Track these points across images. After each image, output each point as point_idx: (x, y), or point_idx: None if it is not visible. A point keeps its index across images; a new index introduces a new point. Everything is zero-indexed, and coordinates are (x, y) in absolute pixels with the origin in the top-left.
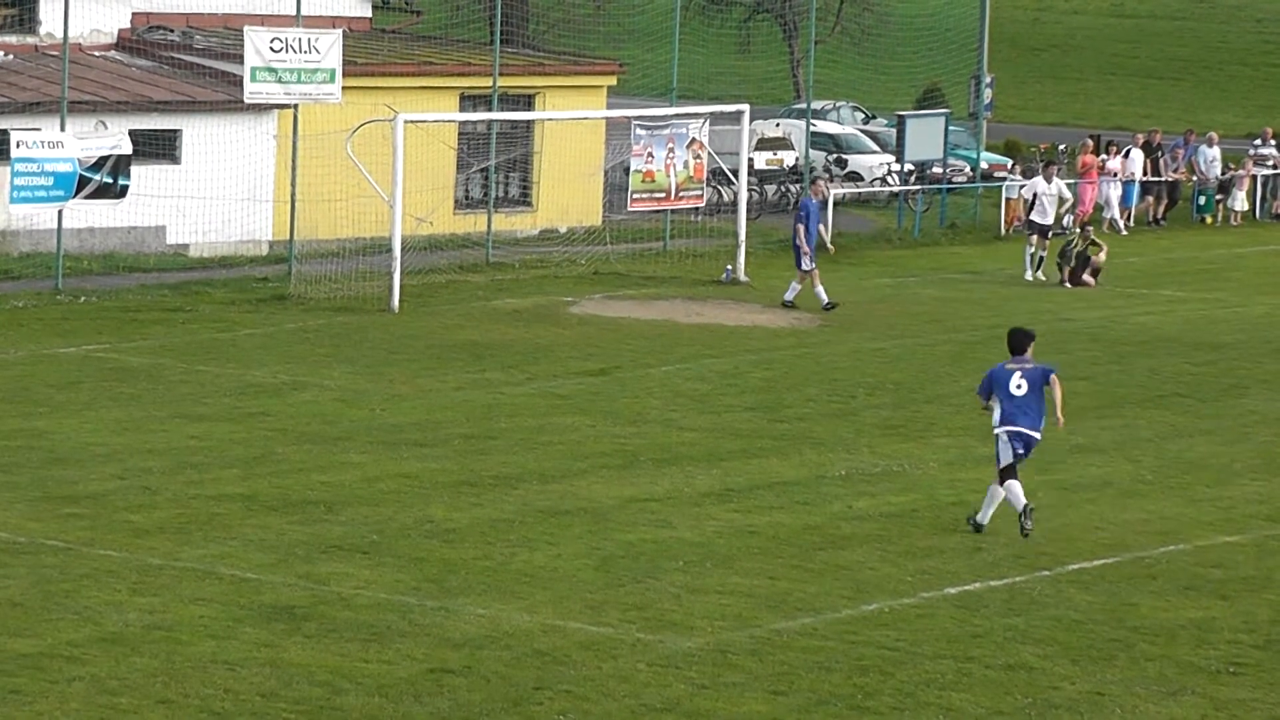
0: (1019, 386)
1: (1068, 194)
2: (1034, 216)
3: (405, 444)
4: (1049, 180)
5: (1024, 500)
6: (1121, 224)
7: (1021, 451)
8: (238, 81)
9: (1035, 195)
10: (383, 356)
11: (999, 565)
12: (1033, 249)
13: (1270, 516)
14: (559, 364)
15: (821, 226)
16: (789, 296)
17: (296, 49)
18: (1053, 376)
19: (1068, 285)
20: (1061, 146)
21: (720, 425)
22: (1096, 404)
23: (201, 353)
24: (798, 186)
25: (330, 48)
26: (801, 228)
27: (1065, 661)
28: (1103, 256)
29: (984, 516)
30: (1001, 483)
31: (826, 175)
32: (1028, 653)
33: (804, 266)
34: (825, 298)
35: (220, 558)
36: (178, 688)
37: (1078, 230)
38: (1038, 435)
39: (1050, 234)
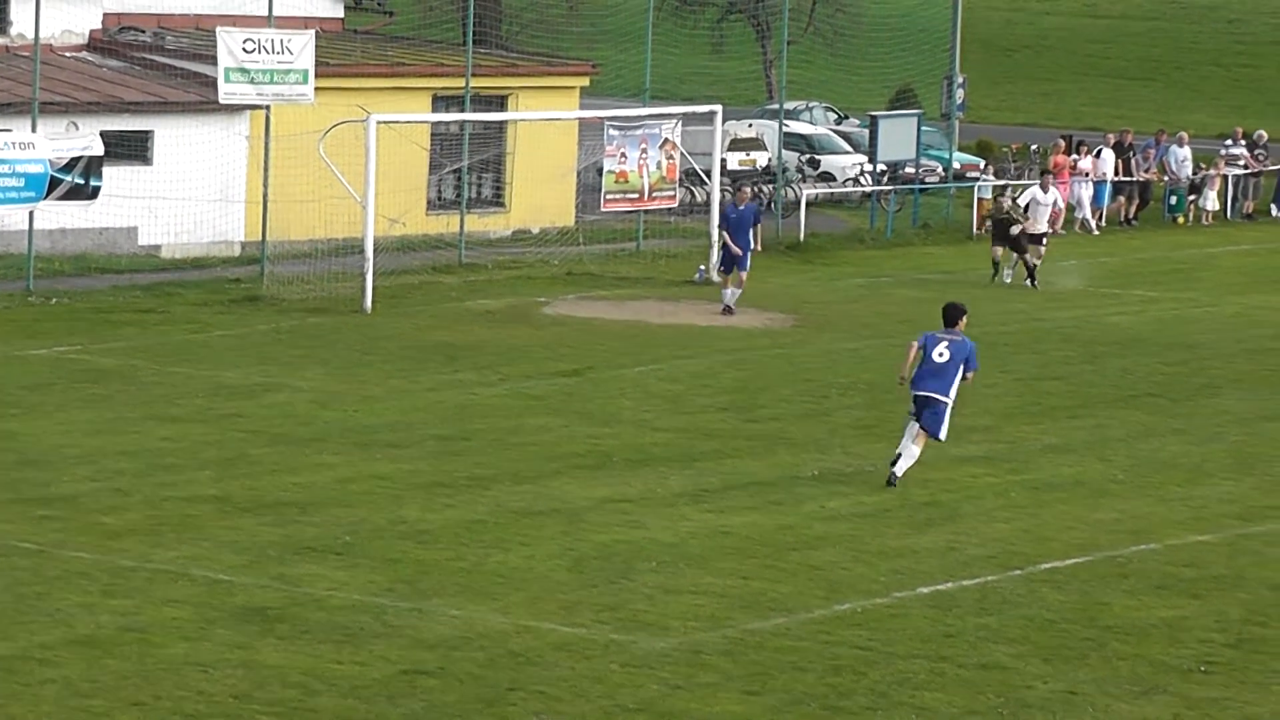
0: (941, 355)
1: (1062, 204)
2: (1030, 226)
3: (378, 445)
4: (1045, 189)
5: (899, 452)
6: (1093, 224)
7: (915, 411)
8: (209, 82)
9: (1031, 203)
10: (356, 358)
11: (972, 565)
12: (1032, 255)
13: (1241, 516)
14: (532, 365)
15: (758, 231)
16: (732, 301)
17: (269, 50)
18: (970, 375)
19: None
20: (1034, 147)
21: (693, 426)
22: (1069, 404)
23: (174, 354)
24: (770, 187)
25: (303, 49)
26: (725, 233)
27: (1038, 661)
28: (1017, 232)
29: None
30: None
31: (752, 185)
32: (1001, 652)
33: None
34: (727, 300)
35: (193, 559)
36: (150, 690)
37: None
38: (943, 400)
39: (1044, 241)
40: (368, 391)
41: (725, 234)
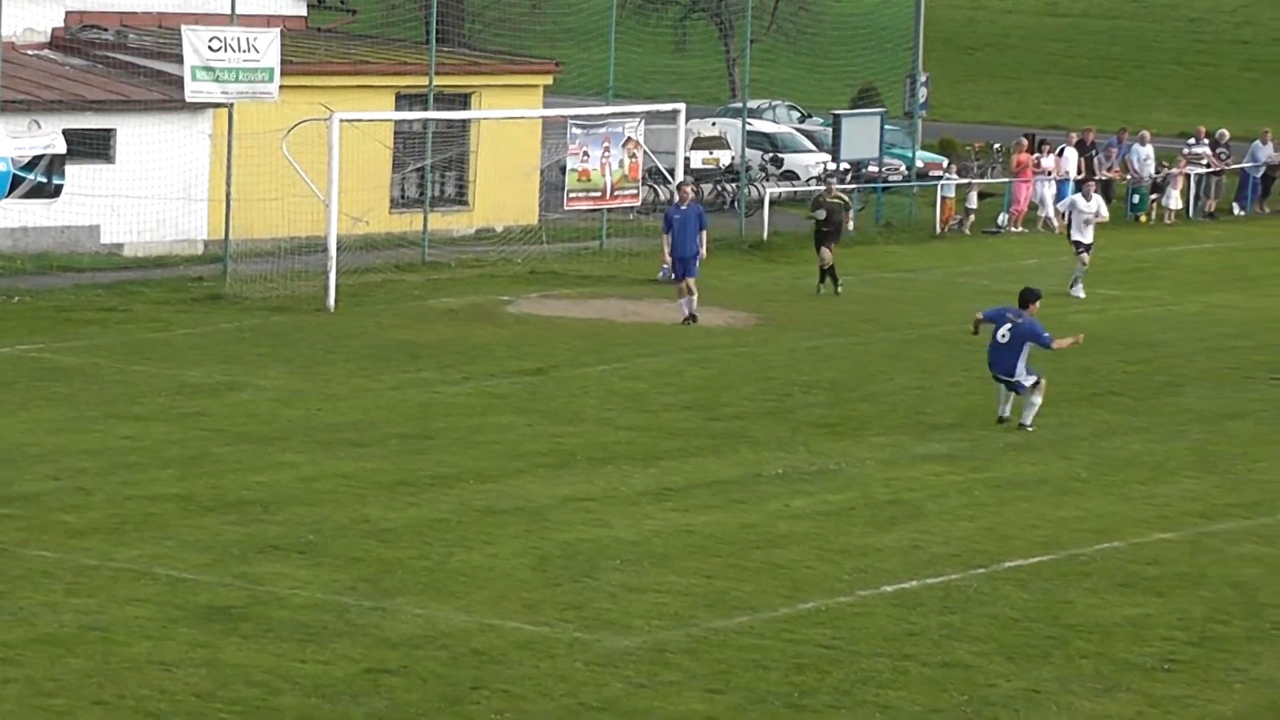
0: (1004, 336)
1: (1105, 213)
2: (1073, 235)
3: (341, 444)
4: (1088, 198)
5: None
6: (1056, 223)
7: (1004, 379)
8: (172, 80)
9: (1072, 210)
10: (319, 356)
11: (935, 563)
12: (1077, 266)
13: (1204, 514)
14: (495, 363)
15: (704, 235)
16: (693, 309)
17: (235, 48)
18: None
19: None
20: (996, 145)
21: (657, 424)
22: None
23: (136, 353)
24: (734, 185)
25: (269, 47)
26: (666, 238)
27: (1001, 659)
28: (851, 226)
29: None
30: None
31: (691, 179)
32: (964, 650)
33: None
34: (687, 311)
35: (156, 558)
36: (113, 689)
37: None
38: (1013, 379)
39: (1089, 250)
40: (331, 390)
41: (667, 239)
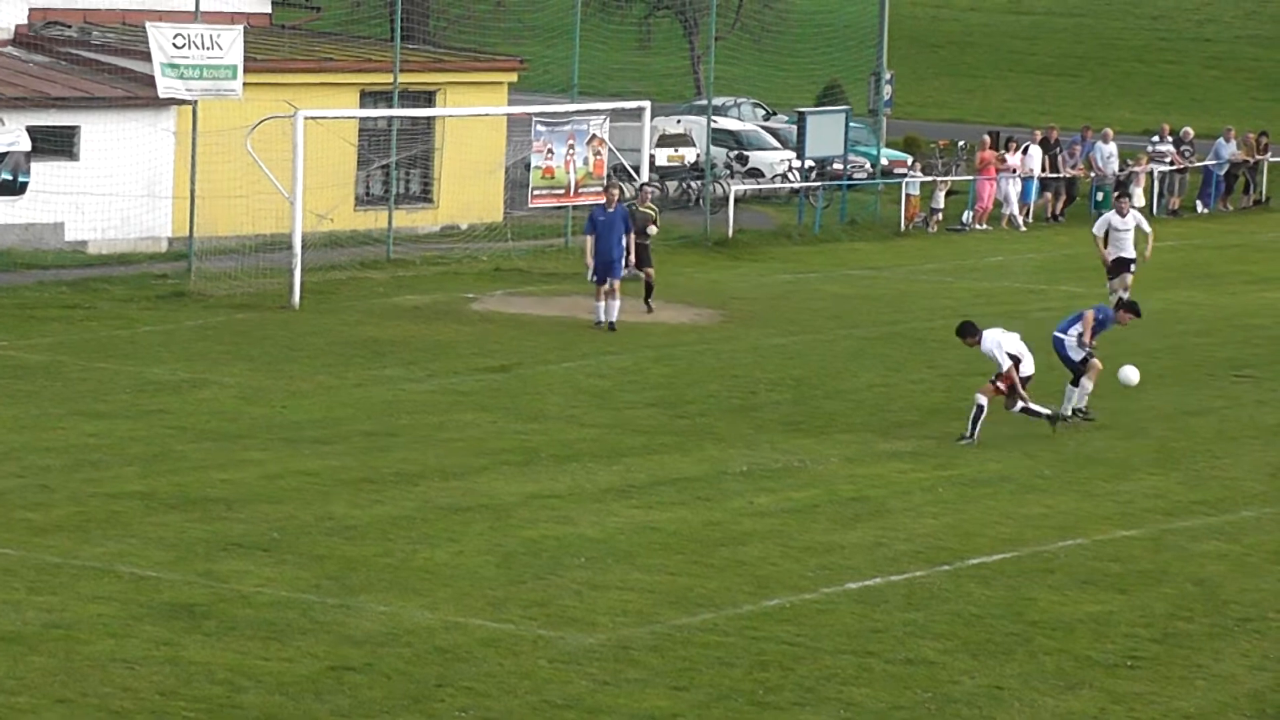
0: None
1: (1146, 226)
2: (1110, 253)
3: (306, 441)
4: (1123, 214)
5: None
6: (1020, 220)
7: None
8: (135, 77)
9: (1108, 230)
10: (283, 353)
11: (899, 560)
12: (1117, 286)
13: (1167, 511)
14: (460, 360)
15: (630, 238)
16: (612, 317)
17: (199, 45)
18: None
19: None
20: (960, 143)
21: (621, 421)
22: (996, 399)
23: (100, 350)
24: (699, 183)
25: (232, 44)
26: (588, 239)
27: (965, 656)
28: (654, 229)
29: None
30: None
31: (625, 181)
32: (927, 647)
33: (590, 279)
34: (603, 317)
35: (119, 556)
36: (76, 687)
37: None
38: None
39: (1133, 266)
40: (295, 387)
41: (590, 241)
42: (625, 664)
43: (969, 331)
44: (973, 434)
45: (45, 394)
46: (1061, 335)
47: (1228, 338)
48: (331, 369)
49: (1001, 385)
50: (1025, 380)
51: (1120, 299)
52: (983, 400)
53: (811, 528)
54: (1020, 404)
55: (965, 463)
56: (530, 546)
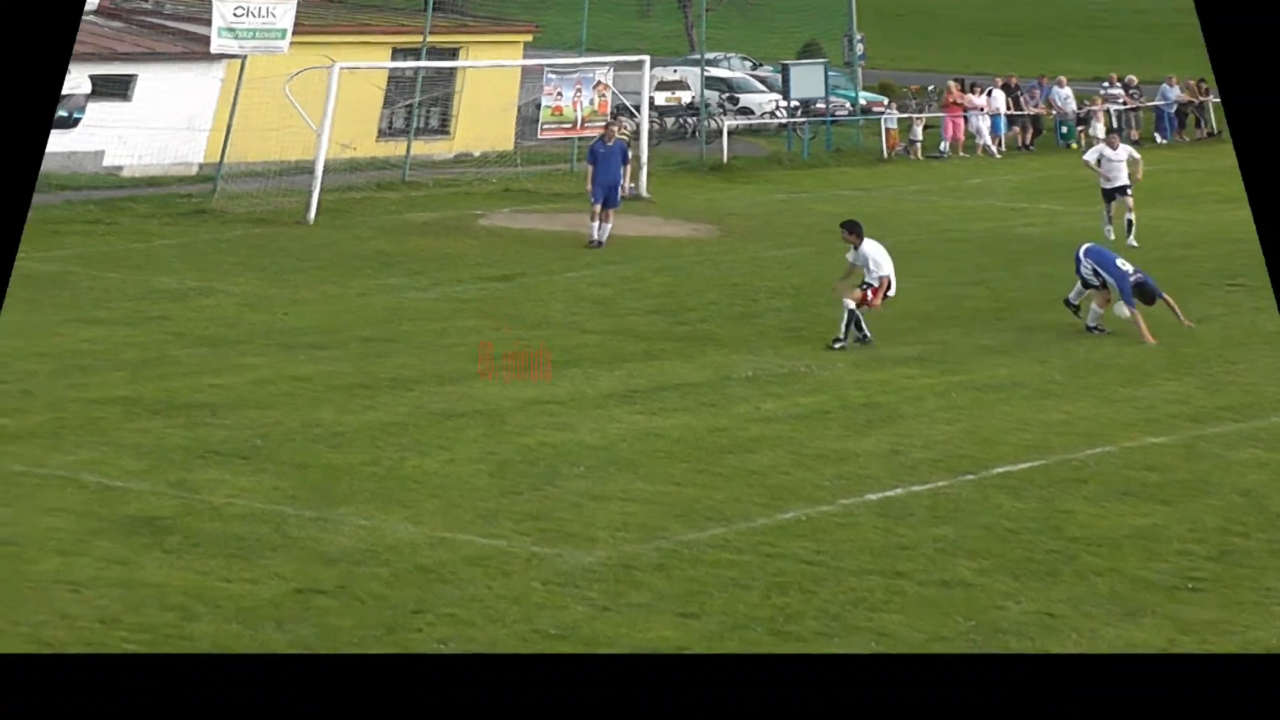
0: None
1: (1136, 154)
2: (1104, 183)
3: (303, 347)
4: (1114, 147)
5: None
6: (994, 149)
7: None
8: (196, 39)
9: (1100, 159)
10: (292, 264)
11: (919, 469)
12: (1119, 211)
13: (1193, 417)
14: (465, 270)
15: (627, 170)
16: (602, 237)
17: (256, 15)
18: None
19: None
20: (930, 87)
21: (622, 327)
22: (992, 307)
23: (113, 261)
24: (695, 119)
25: (285, 13)
26: (590, 167)
27: (1005, 577)
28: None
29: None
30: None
31: (624, 116)
32: (963, 567)
33: (613, 204)
34: (595, 236)
35: (88, 464)
36: (9, 614)
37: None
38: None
39: (1129, 189)
40: (299, 296)
41: (591, 170)
42: (627, 586)
43: (858, 230)
44: (846, 337)
45: (48, 302)
46: (1112, 255)
47: (1212, 250)
48: (338, 279)
49: (872, 296)
50: (884, 299)
51: (1141, 281)
52: (851, 305)
53: (823, 434)
54: (857, 313)
55: (973, 368)
56: (526, 454)
